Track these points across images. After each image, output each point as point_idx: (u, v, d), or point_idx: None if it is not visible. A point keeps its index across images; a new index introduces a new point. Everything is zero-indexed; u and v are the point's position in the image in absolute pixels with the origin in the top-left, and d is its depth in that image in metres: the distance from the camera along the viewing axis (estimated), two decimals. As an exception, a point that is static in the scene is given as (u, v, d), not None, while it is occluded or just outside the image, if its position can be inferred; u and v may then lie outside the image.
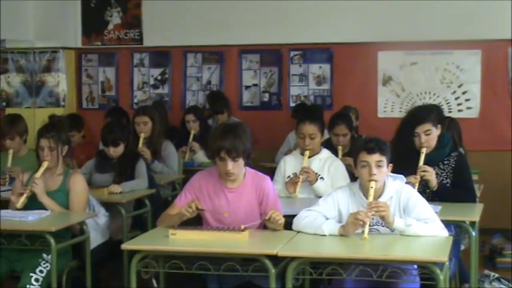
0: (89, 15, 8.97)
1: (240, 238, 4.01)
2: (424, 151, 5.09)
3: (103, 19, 8.96)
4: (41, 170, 4.93)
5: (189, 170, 7.06)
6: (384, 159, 4.17)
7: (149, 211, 5.84)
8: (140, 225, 5.94)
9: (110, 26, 8.96)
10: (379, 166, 4.15)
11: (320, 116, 5.95)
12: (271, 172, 5.52)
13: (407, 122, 5.27)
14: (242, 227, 4.07)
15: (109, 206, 5.46)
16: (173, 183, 6.76)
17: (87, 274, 4.92)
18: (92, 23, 8.98)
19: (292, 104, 8.53)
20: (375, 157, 4.14)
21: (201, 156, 7.43)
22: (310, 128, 5.37)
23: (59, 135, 5.01)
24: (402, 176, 4.44)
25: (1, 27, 8.24)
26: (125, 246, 4.02)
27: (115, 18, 8.93)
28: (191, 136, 7.52)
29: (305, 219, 4.18)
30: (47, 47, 8.74)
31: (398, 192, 4.23)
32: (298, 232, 4.17)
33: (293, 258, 3.83)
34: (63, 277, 4.75)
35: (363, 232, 3.98)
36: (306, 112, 6.86)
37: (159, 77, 8.92)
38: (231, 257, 3.91)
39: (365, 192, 4.20)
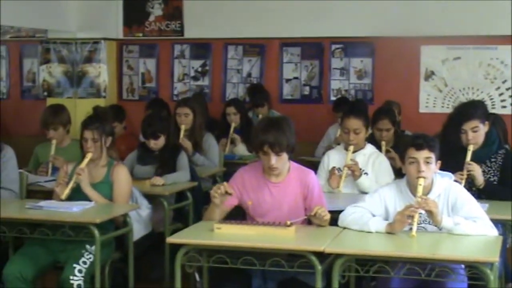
0: (130, 6, 8.97)
1: (286, 233, 3.98)
2: (471, 148, 5.01)
3: (145, 10, 8.95)
4: (85, 161, 4.93)
5: (229, 163, 7.06)
6: (432, 156, 4.11)
7: (191, 204, 5.83)
8: (181, 218, 5.93)
9: (151, 18, 8.95)
10: (427, 163, 4.09)
11: (365, 110, 5.88)
12: (310, 166, 5.47)
13: (454, 119, 5.20)
14: (288, 222, 4.04)
15: (151, 198, 5.45)
16: (214, 176, 6.72)
17: (129, 266, 4.92)
18: (134, 14, 8.98)
19: (332, 98, 8.45)
20: (424, 154, 4.09)
21: (241, 149, 7.40)
22: (354, 123, 5.32)
23: (103, 126, 5.01)
24: (450, 173, 4.37)
25: (44, 18, 8.29)
26: (170, 239, 4.00)
27: (156, 9, 8.92)
28: (232, 129, 7.49)
29: (351, 215, 4.14)
30: (89, 38, 8.76)
31: (447, 190, 4.16)
32: (344, 228, 4.13)
33: (339, 255, 3.78)
34: (106, 269, 4.75)
35: (410, 229, 3.93)
36: (351, 106, 6.79)
37: (199, 69, 8.90)
38: (276, 253, 3.88)
39: (412, 189, 4.14)
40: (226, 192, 4.16)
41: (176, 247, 5.36)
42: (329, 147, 7.60)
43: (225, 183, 4.23)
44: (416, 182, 4.09)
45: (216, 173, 6.72)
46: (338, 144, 7.51)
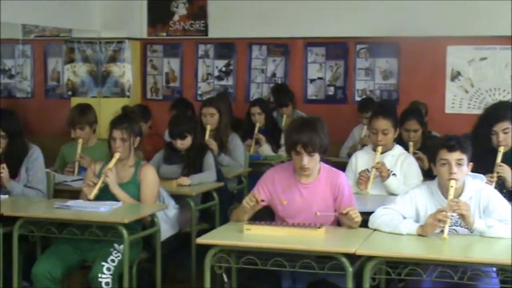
0: (155, 6, 8.97)
1: (316, 235, 3.95)
2: (502, 149, 4.97)
3: (169, 10, 8.95)
4: (113, 161, 4.92)
5: (255, 164, 7.04)
6: (464, 158, 4.07)
7: (217, 204, 5.81)
8: (206, 218, 5.91)
9: (176, 17, 8.95)
10: (459, 165, 4.05)
11: (393, 111, 5.83)
12: (335, 167, 5.42)
13: (485, 120, 5.15)
14: (318, 213, 4.02)
15: (177, 198, 5.43)
16: (239, 177, 6.70)
17: (157, 266, 4.90)
18: (158, 14, 8.98)
19: (357, 98, 8.41)
20: (456, 155, 4.05)
21: (266, 149, 7.38)
22: (383, 124, 5.28)
23: (132, 126, 5.00)
24: (482, 175, 4.32)
25: (68, 18, 8.31)
26: (200, 240, 3.98)
27: (180, 9, 8.92)
28: (256, 129, 7.46)
29: (382, 217, 4.10)
30: (113, 37, 8.77)
31: (478, 192, 4.12)
32: (375, 230, 4.09)
33: (370, 257, 3.75)
34: (133, 269, 4.74)
35: (442, 232, 3.89)
36: (379, 107, 6.73)
37: (223, 69, 8.89)
38: (306, 254, 3.85)
39: (444, 191, 4.10)
40: (257, 201, 4.14)
41: (202, 247, 5.37)
42: (354, 148, 7.59)
43: (256, 193, 4.19)
44: (447, 184, 4.05)
45: (241, 174, 6.69)
46: (363, 145, 7.53)
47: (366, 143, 7.43)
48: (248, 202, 4.17)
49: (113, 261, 4.57)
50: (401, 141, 6.06)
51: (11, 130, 5.18)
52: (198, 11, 8.84)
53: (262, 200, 4.19)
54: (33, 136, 7.91)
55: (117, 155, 4.93)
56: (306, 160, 4.18)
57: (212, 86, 8.92)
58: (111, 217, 4.51)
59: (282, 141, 7.49)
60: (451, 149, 4.06)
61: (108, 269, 4.52)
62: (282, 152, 7.45)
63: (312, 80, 8.64)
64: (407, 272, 3.74)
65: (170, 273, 5.83)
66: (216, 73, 8.91)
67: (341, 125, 8.17)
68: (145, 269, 5.18)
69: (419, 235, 3.96)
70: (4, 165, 5.10)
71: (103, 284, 4.47)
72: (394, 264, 3.78)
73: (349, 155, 7.48)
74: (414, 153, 6.00)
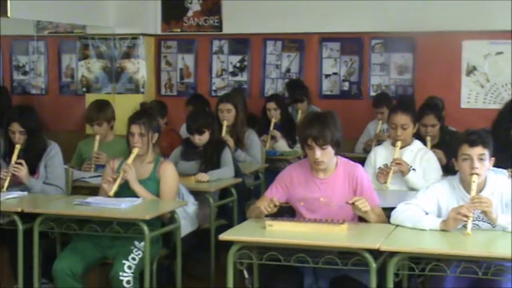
0: (169, 2, 8.95)
1: (339, 230, 3.94)
2: (522, 144, 4.94)
3: (183, 6, 8.93)
4: (132, 156, 4.91)
5: (271, 159, 7.04)
6: (486, 152, 4.05)
7: (235, 200, 5.80)
8: (224, 214, 5.91)
9: (190, 13, 8.94)
10: (481, 160, 4.03)
11: (413, 106, 5.81)
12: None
13: (504, 115, 5.13)
14: (322, 199, 4.05)
15: (195, 194, 5.42)
16: (256, 172, 6.69)
17: (177, 263, 4.90)
18: (172, 10, 8.96)
19: (372, 94, 8.38)
20: (478, 150, 4.03)
21: (282, 144, 7.37)
22: (402, 118, 5.26)
23: (150, 122, 4.99)
24: (504, 170, 4.30)
25: (83, 14, 8.31)
26: (223, 236, 3.96)
27: (194, 5, 8.90)
28: (272, 125, 7.46)
29: (404, 212, 4.09)
30: (127, 33, 8.77)
31: (501, 187, 4.10)
32: (397, 225, 4.07)
33: (394, 253, 3.73)
34: (154, 265, 4.73)
35: (465, 227, 3.87)
36: (398, 101, 6.73)
37: (238, 65, 8.87)
38: (329, 250, 3.84)
39: (465, 186, 4.09)
40: (275, 205, 4.14)
41: (222, 244, 5.38)
42: (369, 143, 7.57)
43: (274, 199, 4.18)
44: (469, 179, 4.03)
45: (258, 170, 6.68)
46: (378, 140, 7.52)
47: (381, 138, 7.44)
48: (266, 208, 4.16)
49: (134, 259, 4.56)
50: (418, 136, 6.04)
51: (29, 126, 5.18)
52: (212, 7, 8.82)
53: (281, 204, 4.19)
54: (47, 132, 7.93)
55: (135, 151, 4.92)
56: (318, 153, 4.17)
57: (226, 82, 8.91)
58: (132, 213, 4.50)
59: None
60: (472, 144, 4.04)
61: (129, 267, 4.52)
62: (298, 147, 7.44)
63: (327, 76, 8.62)
64: (430, 267, 3.72)
65: (187, 269, 5.82)
66: (231, 69, 8.89)
67: (356, 120, 8.14)
68: (164, 266, 5.18)
69: (442, 230, 3.95)
70: (23, 161, 5.10)
71: (124, 283, 4.46)
72: (417, 260, 3.76)
73: (365, 151, 7.53)
74: (432, 151, 5.96)
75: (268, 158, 6.98)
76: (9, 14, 7.06)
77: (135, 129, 4.93)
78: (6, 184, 5.03)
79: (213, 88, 8.95)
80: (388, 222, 4.17)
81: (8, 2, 7.01)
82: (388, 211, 4.32)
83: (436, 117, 6.24)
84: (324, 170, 4.27)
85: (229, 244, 4.13)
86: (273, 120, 7.47)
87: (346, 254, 3.84)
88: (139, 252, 4.59)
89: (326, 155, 4.18)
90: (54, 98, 9.54)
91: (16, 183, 5.11)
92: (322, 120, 4.17)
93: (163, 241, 4.94)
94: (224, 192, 5.85)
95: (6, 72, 9.79)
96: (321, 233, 3.93)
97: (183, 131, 7.51)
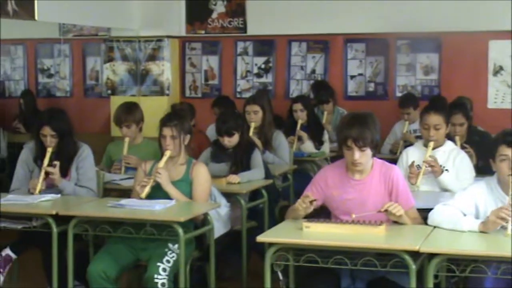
0: (193, 3, 8.98)
1: (377, 232, 3.91)
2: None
3: (207, 7, 8.95)
4: (164, 159, 4.91)
5: (298, 161, 7.02)
6: (525, 153, 4.00)
7: (266, 202, 5.79)
8: (254, 216, 5.89)
9: (214, 15, 8.95)
10: (519, 160, 3.98)
11: (445, 106, 5.78)
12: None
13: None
14: (353, 215, 3.99)
15: (225, 196, 5.41)
16: (285, 174, 6.67)
17: (211, 265, 4.89)
18: (196, 11, 8.99)
19: (398, 94, 8.36)
20: (516, 151, 3.98)
21: (309, 146, 7.34)
22: (435, 119, 5.22)
23: (181, 124, 4.98)
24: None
25: (107, 17, 8.33)
26: (261, 238, 3.95)
27: (219, 6, 8.92)
28: (298, 126, 7.42)
29: (442, 214, 4.05)
30: (152, 35, 8.79)
31: (539, 188, 4.05)
32: (435, 227, 4.04)
33: (433, 255, 3.71)
34: (187, 267, 4.72)
35: (504, 228, 3.83)
36: (431, 102, 6.68)
37: (262, 66, 8.88)
38: (367, 252, 3.82)
39: (503, 187, 4.04)
40: (311, 203, 4.12)
41: (252, 245, 5.37)
42: (396, 144, 7.54)
43: (309, 194, 4.16)
44: (507, 180, 3.98)
45: (287, 171, 6.66)
46: (405, 140, 7.49)
47: (408, 139, 7.42)
48: (301, 204, 4.14)
49: (168, 261, 4.55)
50: (446, 135, 6.00)
51: (61, 129, 5.18)
52: (237, 8, 8.83)
53: (315, 200, 4.16)
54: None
55: (167, 153, 4.92)
56: (357, 155, 4.14)
57: (251, 83, 8.91)
58: (166, 215, 4.49)
59: (324, 137, 7.47)
60: (510, 144, 4.00)
61: (164, 269, 4.51)
62: (325, 148, 7.43)
63: (352, 77, 8.60)
64: (470, 269, 3.69)
65: (217, 271, 5.81)
66: (255, 70, 8.90)
67: (382, 121, 7.88)
68: (196, 268, 5.17)
69: (481, 232, 3.91)
70: (57, 163, 5.10)
71: (159, 285, 4.45)
72: (456, 261, 3.73)
73: (391, 152, 7.50)
74: (462, 147, 5.94)
75: (295, 159, 6.96)
76: (36, 17, 7.08)
77: (167, 131, 4.93)
78: (38, 187, 5.04)
79: (238, 89, 8.96)
80: (425, 224, 4.14)
81: (35, 5, 7.03)
82: (419, 212, 4.30)
83: (464, 116, 6.21)
84: (360, 171, 4.25)
85: (260, 246, 4.12)
86: (300, 121, 7.44)
87: (383, 255, 3.81)
88: (173, 254, 4.58)
89: (364, 156, 4.16)
90: (78, 100, 9.59)
91: (48, 186, 5.12)
92: (362, 121, 4.14)
93: (196, 243, 4.92)
94: (254, 194, 5.83)
95: (31, 75, 9.85)
96: (359, 235, 3.91)
97: (209, 133, 7.52)
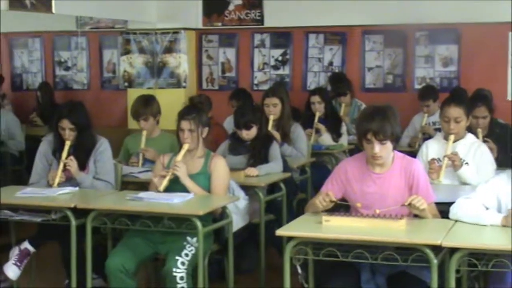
0: (210, -5, 8.96)
1: (397, 226, 3.87)
2: None
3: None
4: (182, 152, 4.89)
5: (316, 153, 6.98)
6: (548, 146, 3.95)
7: (284, 195, 5.76)
8: (271, 209, 5.86)
9: (231, 7, 8.91)
10: (542, 153, 3.94)
11: (466, 99, 5.72)
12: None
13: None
14: (377, 211, 3.95)
15: (243, 189, 5.37)
16: (303, 167, 6.63)
17: (229, 258, 4.87)
18: (213, 3, 8.96)
19: (417, 86, 8.30)
20: (539, 144, 3.94)
21: (327, 138, 7.30)
22: (455, 111, 5.15)
23: (199, 117, 4.95)
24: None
25: (124, 9, 8.32)
26: (280, 232, 3.92)
27: (236, -2, 8.90)
28: (316, 118, 7.38)
29: (464, 207, 4.00)
30: (169, 28, 8.77)
31: None
32: (456, 221, 4.00)
33: (455, 249, 3.66)
34: (206, 261, 4.70)
35: (526, 222, 3.79)
36: (451, 94, 6.62)
37: (279, 58, 8.84)
38: (387, 246, 3.78)
39: (526, 180, 3.99)
40: (331, 200, 4.09)
41: (270, 239, 5.34)
42: (414, 140, 7.48)
43: (330, 192, 4.13)
44: (529, 173, 3.94)
45: (305, 164, 6.62)
46: (423, 133, 7.43)
47: (427, 132, 7.36)
48: (321, 202, 4.11)
49: (187, 255, 4.53)
50: (468, 128, 5.94)
51: (79, 123, 5.17)
52: (254, 1, 8.81)
53: (336, 201, 4.14)
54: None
55: (186, 146, 4.90)
56: (377, 148, 4.10)
57: (268, 75, 8.87)
58: (184, 209, 4.47)
59: (342, 130, 7.43)
60: (532, 137, 3.95)
61: (183, 263, 4.49)
62: (343, 141, 7.38)
63: (370, 69, 8.55)
64: (493, 264, 3.65)
65: (235, 264, 5.79)
66: (272, 63, 8.86)
67: (400, 113, 7.86)
68: (214, 261, 5.15)
69: (503, 226, 3.86)
70: (72, 157, 5.10)
71: (177, 279, 4.44)
72: (478, 256, 3.69)
73: (410, 145, 7.44)
74: (484, 141, 5.88)
75: (313, 152, 6.92)
76: (53, 10, 7.08)
77: (185, 125, 4.90)
78: (56, 180, 5.04)
79: (255, 82, 8.93)
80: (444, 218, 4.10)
81: (52, -2, 7.04)
82: (440, 206, 4.25)
83: (487, 109, 6.14)
84: (381, 165, 4.20)
85: (278, 239, 4.09)
86: (317, 114, 7.39)
87: (404, 250, 3.77)
88: (192, 248, 4.56)
89: (385, 149, 4.11)
90: (96, 93, 9.59)
91: (66, 179, 5.12)
92: (382, 114, 4.10)
93: (214, 236, 4.90)
94: (272, 187, 5.80)
95: (48, 68, 9.87)
96: (380, 229, 3.87)
97: (226, 125, 7.49)
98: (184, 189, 4.80)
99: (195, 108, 5.07)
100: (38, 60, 9.92)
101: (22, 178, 7.56)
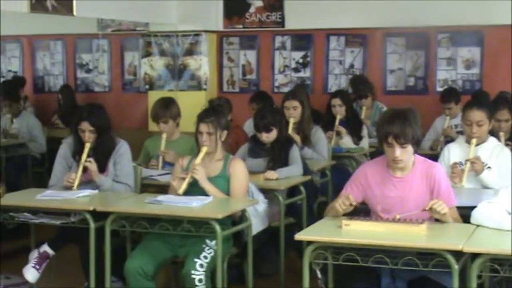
0: (231, -2, 8.96)
1: (418, 231, 3.82)
2: None
3: (245, 1, 8.91)
4: (201, 155, 4.87)
5: (337, 156, 6.94)
6: None
7: (304, 198, 5.73)
8: (291, 212, 5.83)
9: (252, 9, 8.90)
10: None
11: (488, 102, 5.65)
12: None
13: None
14: (397, 216, 3.90)
15: (263, 192, 5.35)
16: (324, 170, 6.59)
17: (248, 262, 4.84)
18: (234, 6, 8.94)
19: (439, 89, 8.23)
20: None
21: (348, 141, 7.26)
22: (478, 115, 5.09)
23: (218, 120, 4.93)
24: None
25: (145, 11, 8.33)
26: (299, 236, 3.89)
27: (257, 0, 8.86)
28: (337, 121, 7.34)
29: (486, 212, 3.94)
30: (190, 30, 8.77)
31: None
32: (478, 226, 3.94)
33: (477, 255, 3.61)
34: (225, 264, 4.68)
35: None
36: (473, 97, 6.56)
37: (300, 61, 8.81)
38: (407, 251, 3.74)
39: (549, 184, 3.94)
40: (351, 204, 4.06)
41: (290, 242, 5.31)
42: (436, 143, 7.41)
43: (350, 196, 4.09)
44: (553, 177, 3.88)
45: (325, 167, 6.59)
46: (446, 136, 7.36)
47: (449, 135, 7.30)
48: (341, 206, 4.07)
49: (205, 257, 4.51)
50: (490, 131, 5.88)
51: (99, 125, 5.17)
52: (275, 2, 8.77)
53: (356, 205, 4.10)
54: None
55: (204, 149, 4.88)
56: (398, 152, 4.06)
57: (289, 78, 8.85)
58: (203, 212, 4.46)
59: (363, 133, 7.38)
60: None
61: (201, 265, 4.47)
62: (363, 144, 7.34)
63: (391, 71, 8.49)
64: (513, 269, 3.60)
65: (255, 268, 5.76)
66: (293, 65, 8.84)
67: (422, 116, 7.85)
68: (233, 264, 5.13)
69: (526, 231, 3.81)
70: (92, 159, 5.10)
71: (196, 281, 4.42)
72: (500, 261, 3.63)
73: (431, 148, 7.38)
74: (506, 144, 5.82)
75: (334, 155, 6.88)
76: (74, 13, 7.10)
77: (204, 128, 4.89)
78: (76, 182, 5.04)
79: (276, 84, 8.91)
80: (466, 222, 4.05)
81: (74, 1, 7.05)
82: (462, 210, 4.20)
83: (509, 111, 6.07)
84: (401, 169, 4.16)
85: (298, 242, 4.05)
86: (338, 117, 7.35)
87: (424, 255, 3.73)
88: (211, 250, 4.54)
89: (405, 153, 4.07)
90: (117, 95, 9.61)
91: (85, 181, 5.12)
92: (403, 118, 4.05)
93: (234, 240, 4.88)
94: (292, 190, 5.77)
95: (70, 70, 9.91)
96: (400, 233, 3.82)
97: (246, 128, 7.46)
98: (203, 192, 4.78)
99: (214, 111, 5.05)
100: (60, 62, 9.96)
101: (43, 180, 7.57)
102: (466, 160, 5.07)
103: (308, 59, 8.78)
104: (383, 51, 8.50)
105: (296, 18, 8.71)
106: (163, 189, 5.25)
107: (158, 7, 8.54)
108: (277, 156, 5.80)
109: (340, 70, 8.70)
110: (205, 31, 8.80)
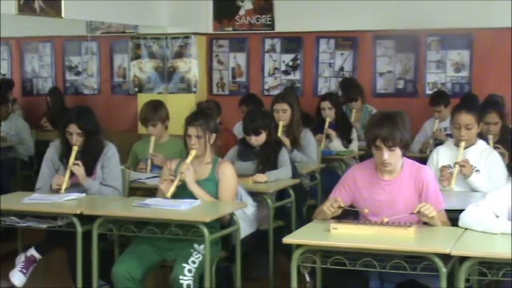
0: (220, 0, 8.92)
1: (406, 234, 3.82)
2: None
3: (235, 4, 8.90)
4: (190, 158, 4.85)
5: (326, 159, 6.93)
6: (560, 153, 3.89)
7: (293, 201, 5.71)
8: (281, 215, 5.81)
9: (242, 12, 8.88)
10: (554, 161, 3.88)
11: (477, 105, 5.66)
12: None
13: None
14: (385, 220, 3.89)
15: (252, 195, 5.33)
16: (313, 173, 6.58)
17: (237, 266, 4.82)
18: (224, 8, 8.93)
19: (428, 92, 8.23)
20: (551, 151, 3.88)
21: (337, 144, 7.26)
22: (466, 118, 5.09)
23: (207, 123, 4.91)
24: None
25: (134, 14, 8.31)
26: (287, 240, 3.87)
27: (246, 3, 8.85)
28: (327, 124, 7.34)
29: (474, 215, 3.94)
30: (179, 33, 8.75)
31: None
32: (466, 229, 3.94)
33: (465, 258, 3.61)
34: (213, 268, 4.65)
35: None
36: (462, 101, 6.57)
37: (290, 63, 8.80)
38: (396, 254, 3.73)
39: (537, 187, 3.93)
40: (340, 206, 4.04)
41: (279, 245, 5.29)
42: (426, 143, 7.42)
43: (338, 198, 4.09)
44: (541, 181, 3.88)
45: (315, 170, 6.58)
46: (435, 139, 7.37)
47: (439, 137, 7.30)
48: (329, 209, 4.06)
49: (194, 262, 4.49)
50: (479, 134, 5.88)
51: (87, 128, 5.14)
52: (265, 5, 8.77)
53: (345, 207, 4.09)
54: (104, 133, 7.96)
55: (193, 153, 4.86)
56: (386, 155, 4.05)
57: (279, 80, 8.84)
58: (191, 215, 4.43)
59: (353, 135, 7.38)
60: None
61: (189, 270, 4.44)
62: (353, 147, 7.33)
63: (381, 74, 8.49)
64: (503, 273, 3.59)
65: (244, 271, 5.74)
66: (283, 68, 8.82)
67: (412, 119, 7.85)
68: (221, 268, 5.10)
69: (514, 234, 3.80)
70: (79, 162, 5.07)
71: (184, 286, 4.39)
72: (488, 264, 3.63)
73: (421, 150, 7.38)
74: (495, 147, 5.82)
75: (323, 158, 6.87)
76: (63, 15, 7.07)
77: (192, 131, 4.86)
78: (64, 185, 5.01)
79: (266, 87, 8.89)
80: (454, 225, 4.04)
81: (62, 2, 7.02)
82: (451, 213, 4.19)
83: (498, 115, 6.10)
84: (390, 172, 4.15)
85: (286, 245, 4.04)
86: (328, 119, 7.35)
87: (413, 258, 3.72)
88: (199, 255, 4.52)
89: (394, 156, 4.06)
90: (106, 98, 9.59)
91: (73, 185, 5.09)
92: (392, 121, 4.05)
93: (222, 243, 4.86)
94: (281, 193, 5.75)
95: (59, 72, 9.88)
96: (388, 237, 3.82)
97: (236, 131, 7.45)
98: (192, 196, 4.76)
99: (202, 114, 5.02)
100: (49, 65, 9.93)
101: (31, 183, 7.51)
102: (455, 163, 5.07)
103: (298, 61, 8.76)
104: (373, 54, 8.49)
105: (286, 20, 8.70)
106: (152, 192, 5.23)
107: (148, 9, 8.52)
108: (266, 159, 5.78)
109: (330, 73, 8.69)
110: (195, 34, 8.78)
